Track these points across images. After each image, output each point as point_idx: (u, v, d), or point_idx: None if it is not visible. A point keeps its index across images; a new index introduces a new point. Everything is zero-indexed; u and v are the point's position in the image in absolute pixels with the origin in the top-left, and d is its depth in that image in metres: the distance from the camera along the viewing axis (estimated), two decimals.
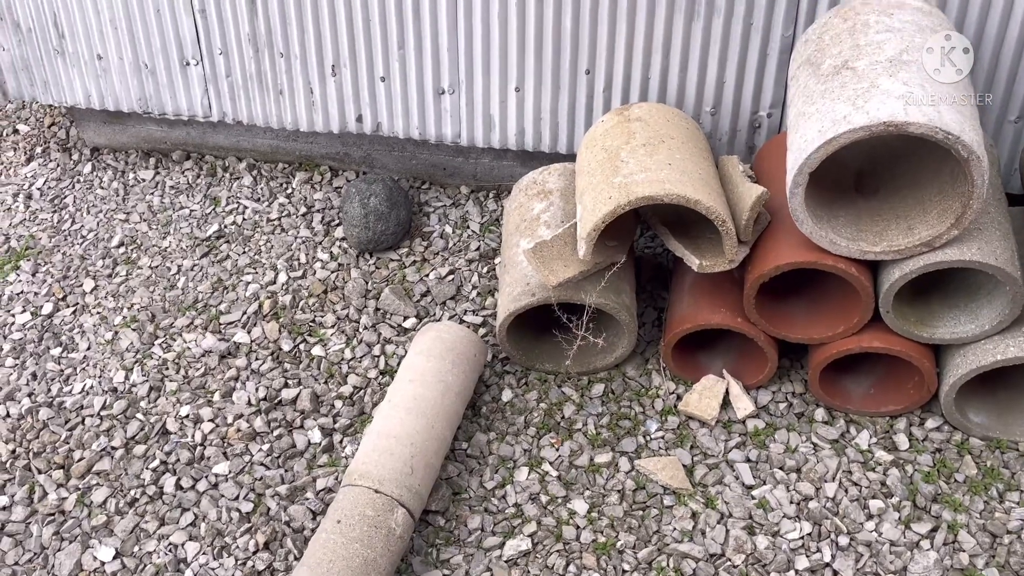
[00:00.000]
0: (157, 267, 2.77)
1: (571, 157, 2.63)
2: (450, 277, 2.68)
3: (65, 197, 3.02)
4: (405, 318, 2.58)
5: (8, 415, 2.42)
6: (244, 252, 2.79)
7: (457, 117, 2.60)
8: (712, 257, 2.10)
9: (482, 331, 2.52)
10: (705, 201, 1.97)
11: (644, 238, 2.72)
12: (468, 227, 2.82)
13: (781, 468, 2.14)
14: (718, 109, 2.43)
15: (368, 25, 2.51)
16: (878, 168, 2.12)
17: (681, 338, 2.25)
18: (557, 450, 2.23)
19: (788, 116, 2.03)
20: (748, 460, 2.17)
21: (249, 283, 2.70)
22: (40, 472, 2.29)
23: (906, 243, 1.93)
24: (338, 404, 2.39)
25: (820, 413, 2.25)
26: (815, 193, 1.95)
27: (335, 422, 2.34)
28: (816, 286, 2.21)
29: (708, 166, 2.16)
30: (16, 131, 3.28)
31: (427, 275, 2.69)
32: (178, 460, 2.29)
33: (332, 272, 2.72)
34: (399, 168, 2.92)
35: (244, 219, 2.88)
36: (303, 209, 2.90)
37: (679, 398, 2.32)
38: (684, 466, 2.15)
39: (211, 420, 2.36)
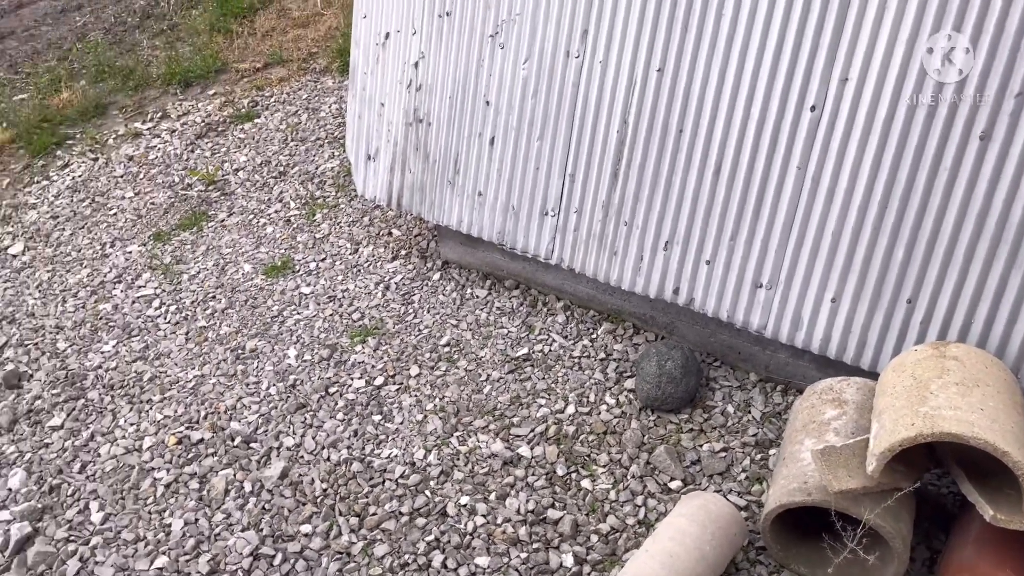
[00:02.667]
0: (471, 371, 3.21)
1: (870, 374, 2.69)
2: (723, 453, 2.81)
3: (413, 295, 3.61)
4: (672, 479, 2.74)
5: (329, 459, 2.90)
6: (543, 378, 3.14)
7: (768, 311, 2.80)
8: (1008, 512, 2.05)
9: (743, 515, 2.60)
10: (1015, 455, 1.96)
11: (931, 474, 2.67)
12: (750, 412, 2.95)
13: None
14: None
15: (709, 215, 2.84)
16: None
17: None
18: None
19: None
20: None
21: (542, 406, 3.02)
22: (341, 515, 2.70)
23: None
24: (594, 538, 2.57)
25: None
26: None
27: (588, 553, 2.53)
28: None
29: (1021, 420, 2.14)
30: (390, 233, 4.00)
31: (701, 445, 2.85)
32: (449, 542, 2.59)
33: (615, 417, 2.97)
34: (696, 340, 3.15)
35: (550, 350, 3.26)
36: (602, 355, 3.21)
37: None
38: None
39: (484, 516, 2.65)
